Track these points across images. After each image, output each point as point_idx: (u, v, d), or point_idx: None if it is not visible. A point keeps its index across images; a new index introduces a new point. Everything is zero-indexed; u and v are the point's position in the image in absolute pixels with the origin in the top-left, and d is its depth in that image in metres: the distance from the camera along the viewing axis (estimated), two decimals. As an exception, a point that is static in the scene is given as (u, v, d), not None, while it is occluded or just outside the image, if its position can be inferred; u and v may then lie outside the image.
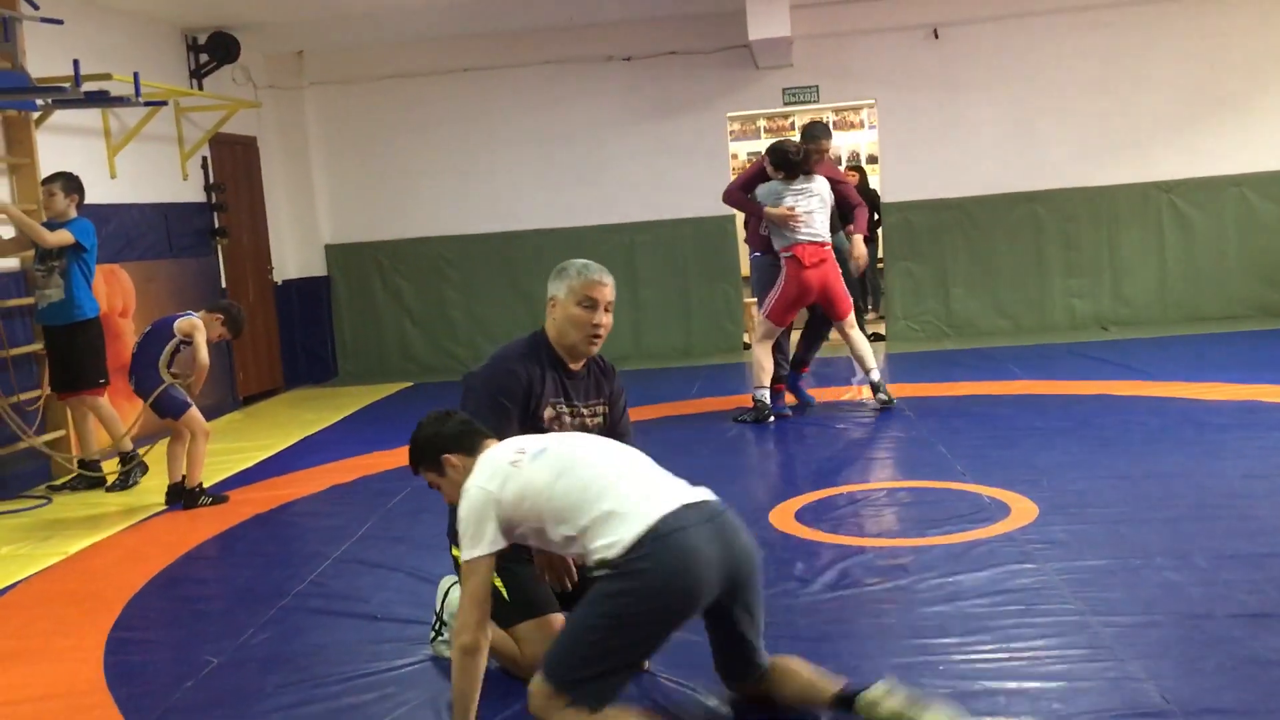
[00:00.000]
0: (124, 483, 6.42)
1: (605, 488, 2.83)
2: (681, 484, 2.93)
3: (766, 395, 7.03)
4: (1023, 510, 4.64)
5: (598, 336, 3.41)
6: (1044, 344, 9.41)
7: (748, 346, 10.64)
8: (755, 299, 7.37)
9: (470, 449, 3.00)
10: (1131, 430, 6.02)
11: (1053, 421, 6.43)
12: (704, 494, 2.91)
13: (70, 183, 6.41)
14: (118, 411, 6.60)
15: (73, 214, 6.40)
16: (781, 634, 3.51)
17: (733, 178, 11.17)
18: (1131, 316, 10.13)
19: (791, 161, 6.91)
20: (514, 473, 2.87)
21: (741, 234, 12.42)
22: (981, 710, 2.90)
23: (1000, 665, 3.18)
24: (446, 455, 3.00)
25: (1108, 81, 9.95)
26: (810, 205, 6.91)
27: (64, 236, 6.27)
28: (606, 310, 3.42)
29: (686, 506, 2.81)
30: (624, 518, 2.76)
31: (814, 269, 6.89)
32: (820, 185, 7.02)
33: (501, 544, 2.86)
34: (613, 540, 2.74)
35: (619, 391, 3.60)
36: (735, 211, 10.73)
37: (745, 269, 12.71)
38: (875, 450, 6.27)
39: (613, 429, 3.50)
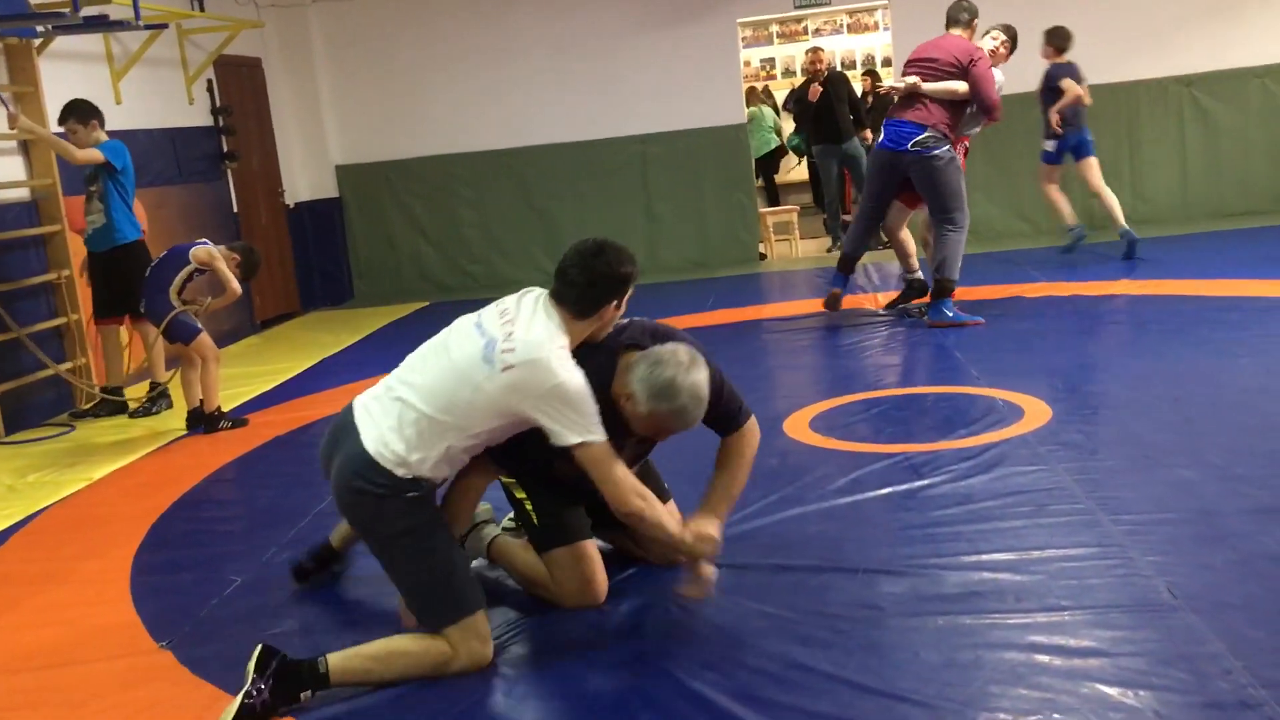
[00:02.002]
0: (147, 410, 6.49)
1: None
2: (400, 423, 2.92)
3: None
4: (1037, 413, 4.63)
5: None
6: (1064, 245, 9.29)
7: (763, 257, 10.60)
8: (924, 191, 6.73)
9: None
10: (1148, 330, 5.98)
11: (1070, 323, 6.40)
12: (369, 424, 2.96)
13: (83, 112, 6.33)
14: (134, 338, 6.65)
15: (103, 139, 6.36)
16: (794, 541, 3.56)
17: (744, 85, 11.07)
18: (1152, 215, 9.98)
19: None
20: None
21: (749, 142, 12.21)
22: (989, 608, 2.94)
23: (1010, 564, 3.20)
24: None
25: (1127, -27, 9.69)
26: None
27: (93, 154, 6.25)
28: None
29: (351, 413, 3.03)
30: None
31: None
32: None
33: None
34: None
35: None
36: (744, 120, 10.68)
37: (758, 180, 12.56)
38: (890, 357, 6.25)
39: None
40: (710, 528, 3.04)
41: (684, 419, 2.93)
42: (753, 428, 3.26)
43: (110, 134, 6.55)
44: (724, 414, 3.18)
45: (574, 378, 2.85)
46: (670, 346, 2.99)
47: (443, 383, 2.91)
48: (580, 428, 2.84)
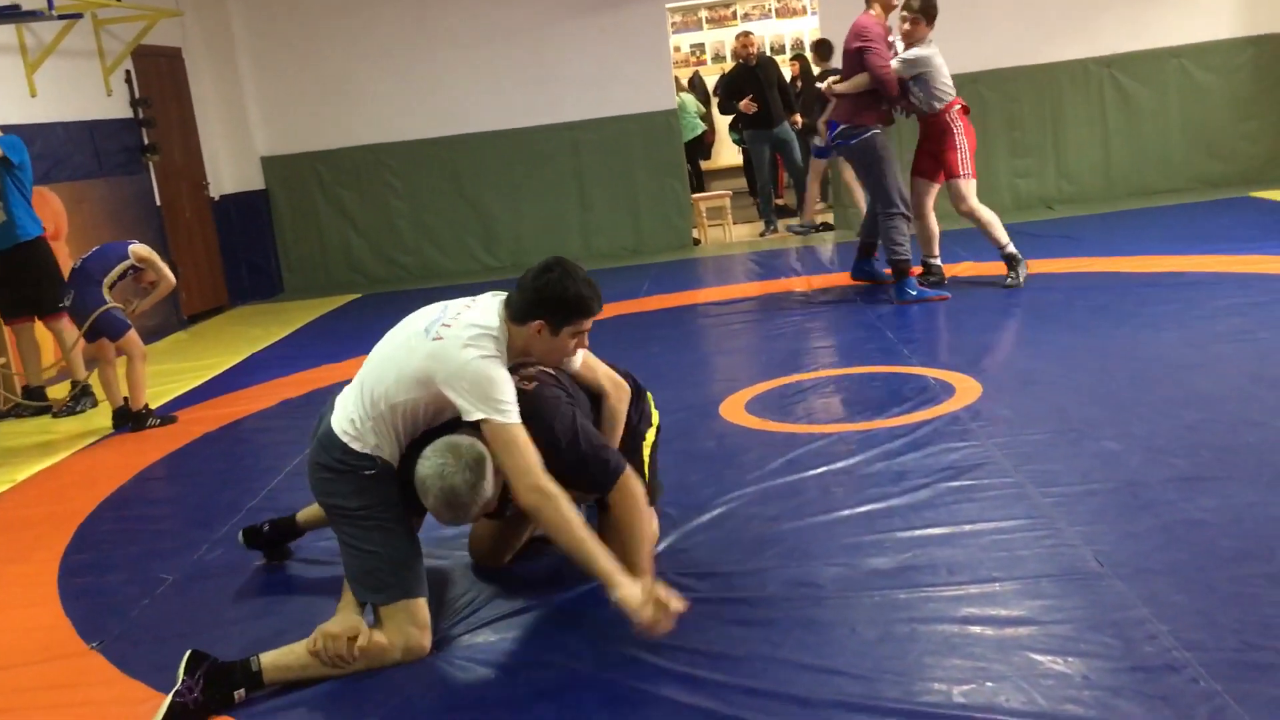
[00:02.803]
0: (71, 409, 6.34)
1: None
2: (357, 395, 3.02)
3: (1012, 245, 6.84)
4: (967, 390, 4.71)
5: None
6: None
7: (697, 242, 10.63)
8: (863, 182, 7.20)
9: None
10: (1075, 307, 6.10)
11: (998, 302, 6.50)
12: (339, 405, 3.06)
13: None
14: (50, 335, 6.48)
15: None
16: (731, 523, 3.58)
17: (674, 71, 11.06)
18: (1076, 194, 10.19)
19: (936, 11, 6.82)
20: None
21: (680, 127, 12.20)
22: (923, 582, 2.98)
23: (943, 538, 3.25)
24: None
25: (1048, -44, 9.84)
26: None
27: None
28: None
29: (334, 397, 3.14)
30: None
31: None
32: None
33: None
34: None
35: None
36: (675, 106, 10.66)
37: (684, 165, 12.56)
38: (823, 339, 6.31)
39: None
40: (636, 589, 2.72)
41: (436, 516, 2.92)
42: (622, 489, 2.98)
43: (25, 127, 6.38)
44: (589, 480, 2.99)
45: (486, 361, 2.85)
46: (465, 442, 2.86)
47: (388, 351, 3.03)
48: (484, 405, 2.81)
